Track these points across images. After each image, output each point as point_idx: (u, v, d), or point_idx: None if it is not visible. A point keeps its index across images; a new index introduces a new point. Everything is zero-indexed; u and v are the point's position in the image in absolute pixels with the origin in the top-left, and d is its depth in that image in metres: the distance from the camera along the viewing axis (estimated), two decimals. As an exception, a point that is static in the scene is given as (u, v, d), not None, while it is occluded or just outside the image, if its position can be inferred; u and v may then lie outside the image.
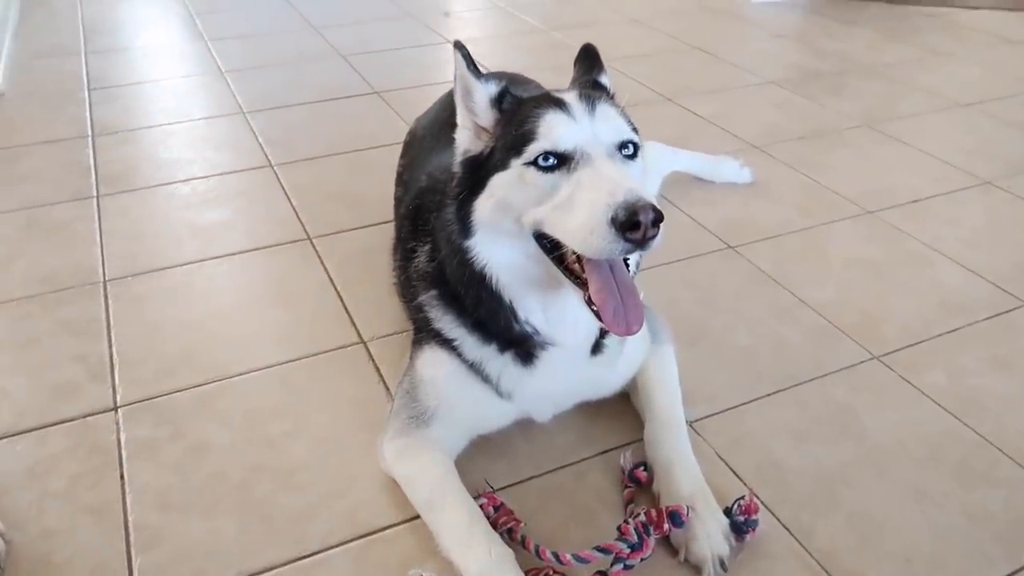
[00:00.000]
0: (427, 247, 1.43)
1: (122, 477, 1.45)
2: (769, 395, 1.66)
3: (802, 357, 1.77)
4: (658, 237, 1.08)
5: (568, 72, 1.47)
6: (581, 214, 1.10)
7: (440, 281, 1.38)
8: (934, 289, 2.02)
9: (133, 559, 1.30)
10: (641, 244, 1.07)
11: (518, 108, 1.26)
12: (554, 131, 1.18)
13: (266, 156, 2.65)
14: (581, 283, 1.20)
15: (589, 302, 1.19)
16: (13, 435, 1.54)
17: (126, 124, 2.88)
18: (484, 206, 1.24)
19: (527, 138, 1.19)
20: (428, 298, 1.40)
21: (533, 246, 1.23)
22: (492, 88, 1.28)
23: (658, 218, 1.07)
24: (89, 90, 3.16)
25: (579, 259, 1.20)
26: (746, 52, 3.82)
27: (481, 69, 1.30)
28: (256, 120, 2.93)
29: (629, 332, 1.18)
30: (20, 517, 1.37)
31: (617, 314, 1.17)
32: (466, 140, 1.30)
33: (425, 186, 1.56)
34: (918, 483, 1.46)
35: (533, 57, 3.64)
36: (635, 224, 1.05)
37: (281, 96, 3.14)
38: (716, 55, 3.69)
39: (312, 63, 3.53)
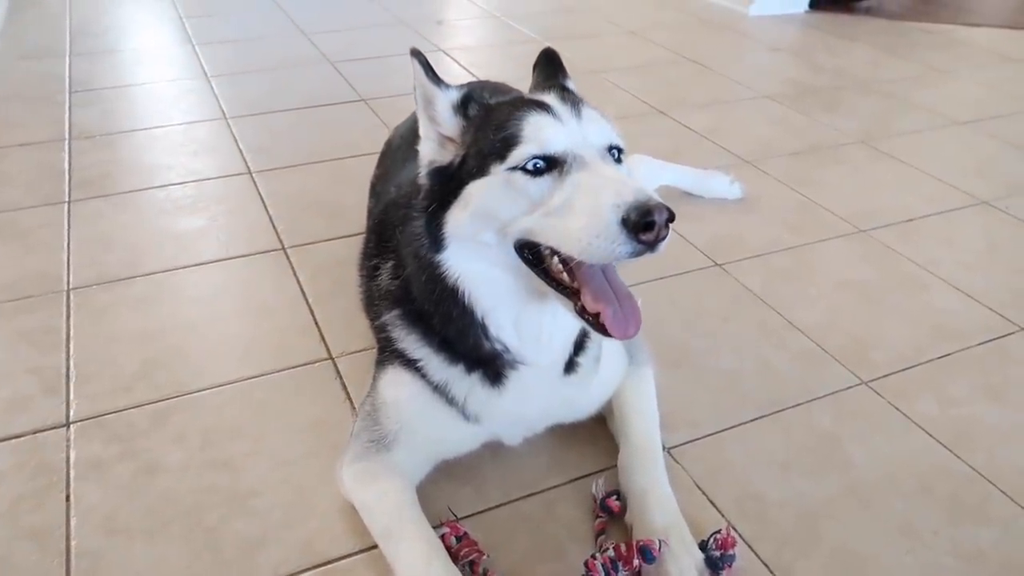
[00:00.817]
0: (390, 264, 1.36)
1: (68, 498, 1.38)
2: (752, 421, 1.58)
3: (788, 381, 1.70)
4: (667, 238, 1.03)
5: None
6: (582, 218, 1.04)
7: (405, 300, 1.31)
8: (927, 312, 1.95)
9: (71, 581, 1.23)
10: (652, 245, 1.02)
11: (490, 113, 1.20)
12: (542, 133, 1.11)
13: (245, 163, 2.59)
14: (569, 293, 1.14)
15: (582, 311, 1.12)
16: (-43, 451, 1.47)
17: (105, 128, 2.82)
18: (458, 217, 1.17)
19: (510, 142, 1.12)
20: (391, 317, 1.33)
21: (513, 258, 1.16)
22: (454, 95, 1.21)
23: (670, 218, 1.01)
24: (70, 92, 3.10)
25: (567, 269, 1.13)
26: (742, 66, 3.77)
27: (457, 78, 1.24)
28: (238, 126, 2.86)
29: (628, 335, 1.12)
30: (-44, 540, 1.29)
31: (617, 318, 1.11)
32: (430, 151, 1.23)
33: (391, 199, 1.49)
34: (906, 518, 1.38)
35: (526, 68, 3.57)
36: (649, 225, 0.99)
37: (266, 102, 3.08)
38: (712, 68, 3.64)
39: (299, 69, 3.47)
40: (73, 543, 1.30)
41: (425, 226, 1.21)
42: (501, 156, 1.13)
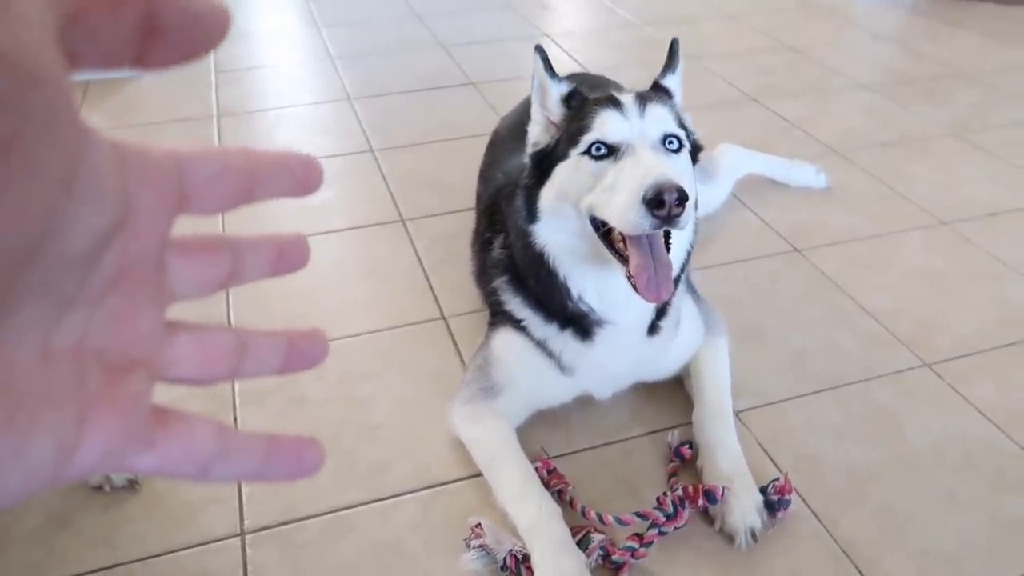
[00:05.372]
0: (501, 237, 1.62)
1: (235, 420, 1.71)
2: (814, 393, 1.76)
3: (852, 360, 1.86)
4: (683, 215, 1.25)
5: (654, 70, 1.65)
6: (621, 196, 1.29)
7: (511, 267, 1.57)
8: (997, 303, 2.05)
9: (242, 488, 1.55)
10: (668, 220, 1.25)
11: (582, 106, 1.45)
12: (606, 125, 1.37)
13: (368, 141, 2.89)
14: (624, 259, 1.37)
15: (629, 275, 1.36)
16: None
17: (245, 107, 3.18)
18: (548, 194, 1.44)
19: (583, 130, 1.39)
20: (500, 283, 1.60)
21: (588, 228, 1.41)
22: (564, 87, 1.49)
23: (682, 198, 1.23)
24: (216, 73, 3.48)
25: (623, 239, 1.36)
26: (841, 53, 3.81)
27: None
28: (360, 106, 3.16)
29: (658, 299, 1.35)
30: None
31: (650, 283, 1.34)
32: (537, 133, 1.51)
33: (501, 183, 1.75)
34: (949, 487, 1.54)
35: (622, 54, 3.75)
36: (660, 202, 1.22)
37: (384, 83, 3.37)
38: (809, 56, 3.70)
39: (413, 52, 3.74)
40: (240, 455, 1.62)
41: (523, 200, 1.49)
42: (575, 142, 1.39)
